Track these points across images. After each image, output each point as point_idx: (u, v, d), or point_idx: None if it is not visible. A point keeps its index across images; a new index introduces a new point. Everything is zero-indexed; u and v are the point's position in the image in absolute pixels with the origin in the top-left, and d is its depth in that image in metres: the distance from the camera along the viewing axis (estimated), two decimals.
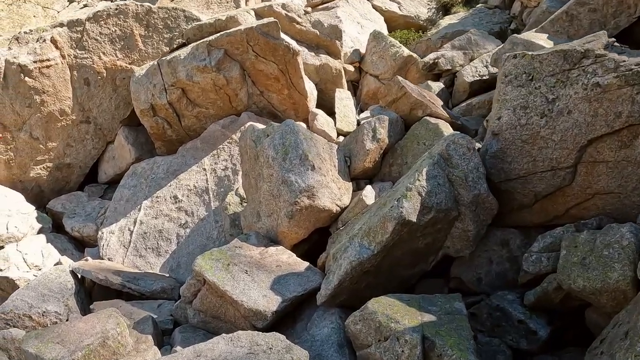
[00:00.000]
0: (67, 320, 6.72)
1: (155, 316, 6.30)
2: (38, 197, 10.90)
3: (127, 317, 6.21)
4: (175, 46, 10.44)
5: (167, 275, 7.90)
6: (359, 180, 7.07)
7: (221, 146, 8.77)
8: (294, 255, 6.17)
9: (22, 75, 9.98)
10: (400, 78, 7.37)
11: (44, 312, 6.65)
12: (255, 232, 6.50)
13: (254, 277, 5.53)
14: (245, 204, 7.54)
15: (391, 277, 5.51)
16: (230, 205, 7.71)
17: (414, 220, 4.91)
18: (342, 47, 10.96)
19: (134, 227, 8.56)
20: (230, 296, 5.27)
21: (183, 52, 9.23)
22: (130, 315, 6.35)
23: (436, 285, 6.08)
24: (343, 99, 9.92)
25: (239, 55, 8.95)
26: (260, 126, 7.40)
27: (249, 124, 8.79)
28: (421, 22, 15.24)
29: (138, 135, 10.60)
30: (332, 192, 6.33)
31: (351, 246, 5.09)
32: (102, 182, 11.11)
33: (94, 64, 10.34)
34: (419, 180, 5.01)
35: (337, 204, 6.37)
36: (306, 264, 5.96)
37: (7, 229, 9.60)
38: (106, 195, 11.04)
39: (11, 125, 10.28)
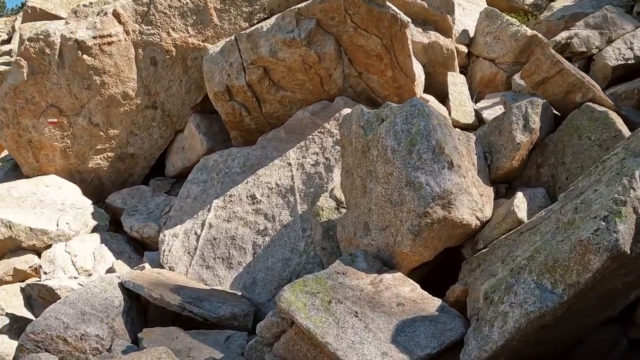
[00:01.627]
0: (110, 346, 5.24)
1: (221, 355, 4.70)
2: (97, 190, 9.58)
3: (184, 355, 4.64)
4: (256, 21, 8.85)
5: (239, 293, 6.33)
6: (497, 185, 5.26)
7: (310, 137, 7.13)
8: (418, 286, 4.47)
9: (79, 52, 8.63)
10: (552, 51, 5.51)
11: (83, 334, 5.28)
12: (362, 251, 4.82)
13: (368, 323, 3.85)
14: (344, 209, 5.88)
15: (567, 328, 3.72)
16: (323, 210, 6.06)
17: (628, 250, 3.11)
18: (454, 22, 9.13)
19: (201, 230, 7.03)
20: (334, 352, 3.60)
21: (266, 24, 7.66)
22: (189, 352, 4.79)
23: (609, 335, 4.27)
24: (457, 84, 8.17)
25: (334, 26, 7.29)
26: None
27: (345, 109, 7.13)
28: (526, 6, 13.67)
29: (211, 124, 9.11)
30: (473, 199, 4.58)
31: (522, 286, 3.35)
32: (170, 176, 9.71)
33: (162, 41, 8.89)
34: (634, 189, 3.18)
35: (477, 217, 4.62)
36: (438, 301, 4.25)
37: (57, 225, 8.27)
38: (173, 191, 9.63)
39: (68, 110, 8.96)
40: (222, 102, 8.11)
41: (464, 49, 9.40)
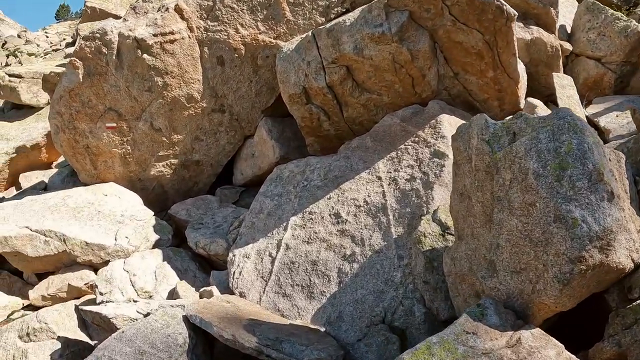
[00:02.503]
0: None
1: None
2: (159, 199, 8.86)
3: None
4: (333, 16, 7.93)
5: (323, 329, 5.42)
6: None
7: (402, 146, 6.18)
8: (563, 348, 3.50)
9: (139, 52, 7.89)
10: None
11: None
12: (492, 301, 3.87)
13: None
14: (451, 237, 4.95)
15: None
16: (425, 237, 5.11)
17: None
18: (557, 17, 8.03)
19: (277, 252, 6.15)
20: None
21: (349, 18, 6.73)
22: None
23: None
24: (565, 86, 7.11)
25: (429, 19, 6.32)
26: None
27: (441, 115, 6.16)
28: (614, 0, 12.39)
29: (284, 129, 8.25)
30: (631, 237, 3.60)
31: None
32: (238, 185, 8.95)
33: (229, 38, 8.07)
34: None
35: (632, 258, 3.64)
36: None
37: (115, 239, 7.57)
38: (242, 201, 8.83)
39: (128, 114, 8.23)
40: (298, 105, 7.23)
41: (569, 46, 8.29)
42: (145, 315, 5.70)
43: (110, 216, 8.14)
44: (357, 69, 6.74)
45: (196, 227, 7.89)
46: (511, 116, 4.31)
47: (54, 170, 11.44)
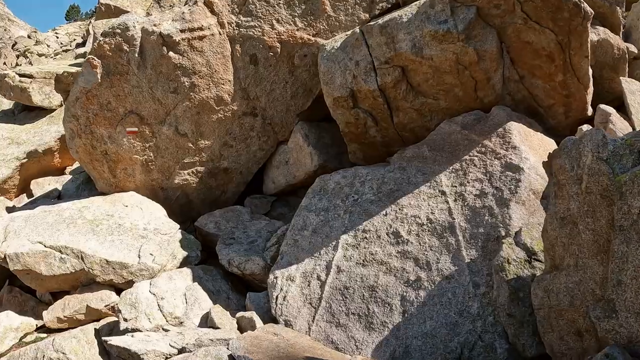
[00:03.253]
0: None
1: None
2: (184, 209, 8.21)
3: None
4: (377, 12, 7.23)
5: None
6: None
7: (467, 157, 5.49)
8: None
9: (164, 49, 7.21)
10: None
11: None
12: (619, 350, 3.25)
13: None
14: (538, 264, 4.27)
15: None
16: (509, 263, 4.43)
17: None
18: (623, 17, 7.32)
19: (327, 275, 5.48)
20: None
21: (405, 13, 6.04)
22: None
23: None
24: (635, 92, 6.48)
25: (498, 17, 5.65)
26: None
27: (509, 123, 5.48)
28: None
29: (321, 134, 7.57)
30: None
31: None
32: (269, 193, 8.26)
33: (263, 35, 7.38)
34: None
35: None
36: None
37: (139, 256, 6.90)
38: (273, 212, 8.17)
39: (150, 117, 7.55)
40: (343, 109, 6.54)
41: (634, 49, 7.57)
42: (180, 351, 4.99)
43: (132, 230, 7.46)
44: (414, 70, 6.05)
45: (227, 243, 7.20)
46: (633, 131, 3.60)
47: (67, 177, 10.75)
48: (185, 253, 7.20)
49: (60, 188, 10.58)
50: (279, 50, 7.44)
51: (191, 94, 7.47)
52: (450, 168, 5.62)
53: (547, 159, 4.23)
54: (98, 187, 8.56)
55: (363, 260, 5.45)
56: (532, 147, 5.61)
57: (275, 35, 7.42)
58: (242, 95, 7.62)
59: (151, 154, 7.94)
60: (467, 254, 4.96)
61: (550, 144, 5.85)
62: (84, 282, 7.03)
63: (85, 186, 9.88)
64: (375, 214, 5.69)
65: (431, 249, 5.16)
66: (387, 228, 5.52)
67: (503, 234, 4.87)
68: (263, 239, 7.15)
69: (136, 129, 7.86)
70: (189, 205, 8.49)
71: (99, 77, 7.51)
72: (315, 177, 7.06)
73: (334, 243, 5.76)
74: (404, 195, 5.65)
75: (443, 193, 5.46)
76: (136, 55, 7.37)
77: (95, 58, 7.51)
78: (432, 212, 5.39)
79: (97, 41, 7.63)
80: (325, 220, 6.02)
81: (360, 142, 6.85)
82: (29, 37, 28.84)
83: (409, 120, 6.40)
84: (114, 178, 8.21)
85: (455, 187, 5.45)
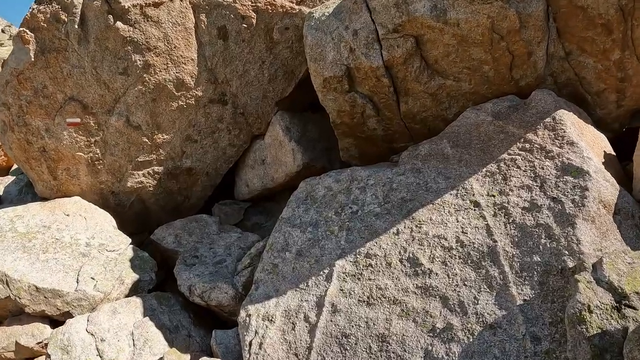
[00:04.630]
0: None
1: None
2: (141, 219, 6.86)
3: None
4: None
5: None
6: None
7: (506, 156, 4.03)
8: None
9: (111, 18, 5.71)
10: None
11: None
12: None
13: None
14: (630, 311, 2.78)
15: None
16: (590, 312, 2.98)
17: None
18: None
19: (317, 316, 4.00)
20: None
21: None
22: None
23: None
24: None
25: None
26: None
27: (560, 112, 4.01)
28: None
29: (307, 127, 6.10)
30: None
31: None
32: (242, 199, 6.79)
33: (235, 2, 5.84)
34: None
35: None
36: None
37: (77, 281, 5.54)
38: (247, 221, 6.77)
39: (96, 105, 6.03)
40: (335, 93, 5.05)
41: None
42: None
43: (72, 246, 5.95)
44: (432, 41, 4.56)
45: (189, 263, 5.68)
46: None
47: (11, 178, 9.12)
48: (135, 276, 5.68)
49: (0, 192, 8.98)
50: (254, 21, 5.92)
51: (145, 75, 5.94)
52: (484, 171, 4.14)
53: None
54: (37, 191, 7.05)
55: (368, 297, 3.95)
56: (588, 144, 4.15)
57: (249, 3, 5.90)
58: (208, 77, 6.09)
59: (98, 151, 6.39)
60: (519, 292, 3.48)
61: (603, 141, 4.41)
62: (14, 311, 5.58)
63: (29, 189, 8.31)
64: (383, 232, 4.19)
65: (465, 284, 3.67)
66: (400, 252, 4.02)
67: (570, 264, 3.40)
68: (233, 258, 5.64)
69: (78, 120, 6.31)
70: (146, 213, 6.96)
71: (32, 55, 5.96)
72: (299, 179, 5.66)
73: (326, 271, 4.25)
74: (422, 206, 4.16)
75: (476, 204, 3.98)
76: (76, 26, 5.81)
77: (27, 31, 5.95)
78: (463, 231, 3.90)
79: (30, 10, 6.05)
80: (314, 238, 4.52)
81: (356, 136, 5.37)
82: (2, 31, 26.92)
83: (421, 107, 4.92)
84: (54, 180, 6.66)
85: (493, 196, 3.97)
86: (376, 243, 4.20)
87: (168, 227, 6.47)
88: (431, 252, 3.94)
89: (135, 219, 7.04)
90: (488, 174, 4.15)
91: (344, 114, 5.26)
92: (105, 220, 6.54)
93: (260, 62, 6.17)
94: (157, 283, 6.03)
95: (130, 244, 6.28)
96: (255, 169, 6.58)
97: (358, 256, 4.21)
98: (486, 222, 3.88)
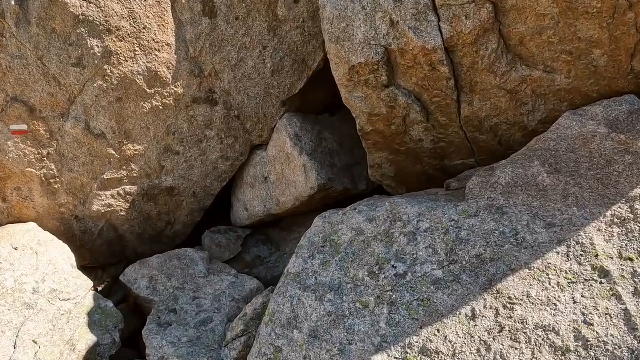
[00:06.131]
0: None
1: None
2: (114, 249, 5.61)
3: None
4: None
5: None
6: None
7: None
8: None
9: None
10: None
11: None
12: None
13: None
14: None
15: None
16: None
17: None
18: None
19: None
20: None
21: None
22: None
23: None
24: None
25: None
26: None
27: None
28: None
29: (323, 135, 4.55)
30: None
31: None
32: (241, 225, 5.24)
33: None
34: None
35: None
36: None
37: (14, 347, 3.96)
38: (246, 253, 5.36)
39: (46, 108, 4.53)
40: (366, 88, 3.46)
41: None
42: None
43: (15, 293, 4.54)
44: (519, 9, 2.96)
45: (164, 322, 4.16)
46: None
47: None
48: (92, 338, 4.18)
49: None
50: None
51: (106, 67, 4.38)
52: (608, 215, 2.54)
53: None
54: None
55: None
56: None
57: None
58: (190, 69, 4.51)
59: (53, 167, 4.86)
60: None
61: None
62: None
63: None
64: (449, 313, 2.58)
65: None
66: (479, 352, 2.39)
67: None
68: (223, 315, 4.10)
69: (25, 128, 4.78)
70: (119, 242, 5.43)
71: None
72: (312, 204, 4.16)
73: None
74: (512, 272, 2.55)
75: (603, 273, 2.39)
76: (12, 2, 4.23)
77: None
78: (585, 321, 2.29)
79: None
80: (337, 313, 2.91)
81: (393, 150, 3.78)
82: None
83: (492, 110, 3.31)
84: (4, 203, 5.16)
85: (631, 260, 2.36)
86: (438, 332, 2.58)
87: (142, 266, 4.92)
88: (533, 354, 2.30)
89: (108, 248, 5.53)
90: (616, 220, 2.53)
91: (378, 119, 3.65)
92: (61, 256, 5.02)
93: (260, 48, 4.58)
94: (128, 337, 4.53)
95: (91, 289, 4.75)
96: (255, 188, 4.99)
97: (409, 352, 2.59)
98: (623, 306, 2.25)
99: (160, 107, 4.65)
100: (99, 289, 5.79)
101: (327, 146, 4.64)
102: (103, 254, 5.56)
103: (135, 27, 4.34)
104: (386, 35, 3.29)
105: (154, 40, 4.42)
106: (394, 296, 2.84)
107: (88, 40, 4.34)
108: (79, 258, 5.29)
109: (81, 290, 4.70)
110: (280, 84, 4.73)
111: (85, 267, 5.83)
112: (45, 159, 4.85)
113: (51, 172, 4.90)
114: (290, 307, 3.17)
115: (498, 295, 2.58)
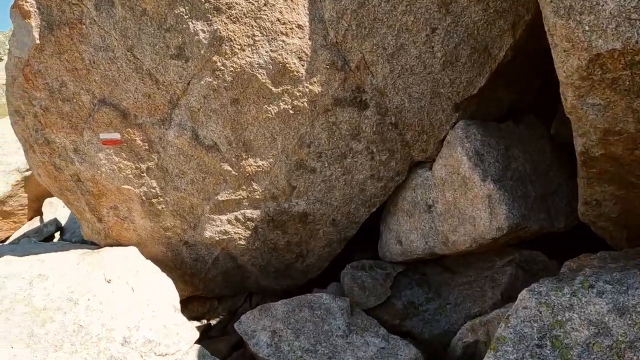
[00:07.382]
0: None
1: None
2: (232, 281, 4.90)
3: None
4: None
5: None
6: None
7: None
8: None
9: None
10: None
11: None
12: None
13: None
14: None
15: None
16: None
17: None
18: None
19: None
20: None
21: None
22: None
23: None
24: None
25: None
26: None
27: None
28: None
29: (511, 152, 3.23)
30: None
31: None
32: (391, 260, 4.55)
33: None
34: None
35: None
36: None
37: None
38: (397, 297, 4.51)
39: (140, 112, 3.58)
40: (610, 91, 2.22)
41: None
42: None
43: (101, 342, 3.79)
44: None
45: None
46: None
47: None
48: None
49: (65, 218, 7.10)
50: None
51: (215, 59, 3.26)
52: None
53: None
54: (83, 234, 4.71)
55: None
56: None
57: None
58: (330, 59, 3.27)
59: (154, 184, 3.85)
60: None
61: None
62: None
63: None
64: None
65: None
66: None
67: None
68: None
69: (118, 136, 3.76)
70: (238, 273, 4.42)
71: (37, 35, 3.41)
72: (494, 246, 2.82)
73: None
74: None
75: None
76: None
77: (25, 1, 3.45)
78: None
79: None
80: None
81: (627, 184, 2.42)
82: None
83: None
84: (100, 223, 4.24)
85: None
86: None
87: (262, 315, 3.81)
88: None
89: (224, 279, 4.55)
90: None
91: (619, 140, 2.25)
92: (163, 295, 4.05)
93: (427, 31, 3.24)
94: None
95: (196, 341, 3.71)
96: (414, 217, 3.69)
97: None
98: None
99: (291, 111, 3.46)
100: (212, 322, 4.80)
101: (517, 168, 3.24)
102: (218, 285, 4.58)
103: (254, 4, 3.15)
104: None
105: (279, 20, 3.21)
106: None
107: (190, 23, 3.20)
108: (189, 287, 4.32)
109: (183, 342, 3.70)
110: (453, 81, 3.38)
111: (197, 297, 4.87)
112: (144, 174, 3.83)
113: (152, 190, 3.87)
114: None
115: None
